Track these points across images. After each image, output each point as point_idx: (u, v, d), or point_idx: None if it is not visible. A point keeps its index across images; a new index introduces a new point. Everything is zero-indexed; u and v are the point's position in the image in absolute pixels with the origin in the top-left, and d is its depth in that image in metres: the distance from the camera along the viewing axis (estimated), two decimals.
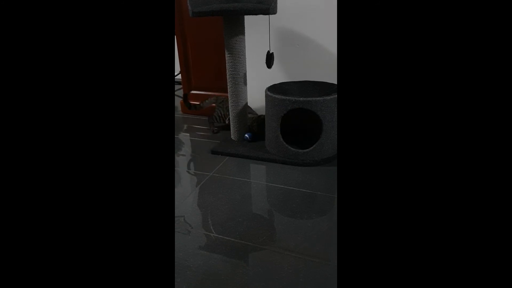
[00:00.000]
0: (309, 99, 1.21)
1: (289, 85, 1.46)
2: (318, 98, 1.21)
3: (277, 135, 1.32)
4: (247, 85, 1.55)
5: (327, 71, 1.54)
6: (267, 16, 1.47)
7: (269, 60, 1.37)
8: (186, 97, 1.83)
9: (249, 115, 1.60)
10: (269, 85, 1.44)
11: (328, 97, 1.22)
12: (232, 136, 1.57)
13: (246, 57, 1.46)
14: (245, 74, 1.45)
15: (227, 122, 1.69)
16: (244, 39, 1.40)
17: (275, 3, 1.26)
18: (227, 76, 1.44)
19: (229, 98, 1.49)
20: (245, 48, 1.41)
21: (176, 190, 1.18)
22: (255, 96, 1.74)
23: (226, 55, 1.40)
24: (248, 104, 1.63)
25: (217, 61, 1.81)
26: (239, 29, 1.36)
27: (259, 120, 1.56)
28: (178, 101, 2.13)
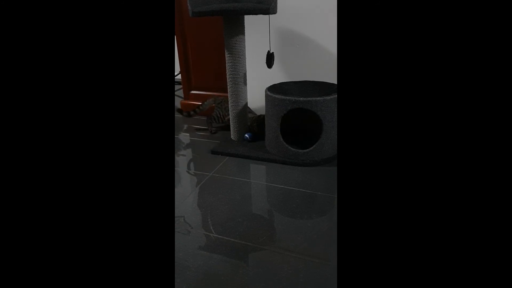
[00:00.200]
0: (309, 99, 1.21)
1: (289, 85, 1.46)
2: (318, 98, 1.21)
3: (277, 135, 1.32)
4: (247, 85, 1.55)
5: (327, 71, 1.54)
6: (267, 16, 1.47)
7: (269, 60, 1.37)
8: (180, 110, 1.80)
9: (249, 115, 1.60)
10: (269, 85, 1.44)
11: (328, 97, 1.22)
12: (232, 136, 1.57)
13: (246, 57, 1.46)
14: (245, 74, 1.45)
15: (226, 121, 1.68)
16: (244, 39, 1.40)
17: (275, 3, 1.26)
18: (227, 76, 1.44)
19: (229, 98, 1.49)
20: (245, 48, 1.41)
21: (176, 190, 1.18)
22: (255, 96, 1.74)
23: (226, 55, 1.40)
24: (248, 104, 1.63)
25: (217, 61, 1.81)
26: (239, 29, 1.36)
27: (259, 120, 1.56)
28: (178, 101, 2.13)
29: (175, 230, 0.96)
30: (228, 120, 1.60)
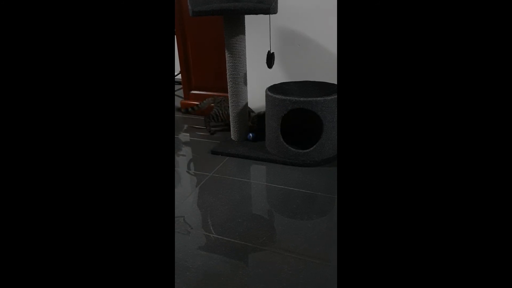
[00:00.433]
0: (309, 99, 1.21)
1: (290, 85, 1.46)
2: (318, 98, 1.21)
3: (277, 135, 1.32)
4: (248, 85, 1.55)
5: (327, 71, 1.53)
6: (268, 15, 1.47)
7: (270, 60, 1.37)
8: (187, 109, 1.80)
9: (251, 114, 1.61)
10: (270, 85, 1.44)
11: (329, 97, 1.22)
12: (232, 136, 1.57)
13: (247, 57, 1.45)
14: (245, 74, 1.45)
15: (226, 120, 1.68)
16: (245, 39, 1.39)
17: (276, 2, 1.26)
18: (227, 76, 1.44)
19: (229, 98, 1.48)
20: (245, 48, 1.41)
21: (176, 190, 1.17)
22: (256, 96, 1.74)
23: (227, 55, 1.40)
24: (248, 104, 1.63)
25: (217, 61, 1.81)
26: (240, 29, 1.35)
27: (259, 115, 1.57)
28: (178, 101, 2.13)
29: (175, 230, 0.95)
30: (229, 118, 1.61)
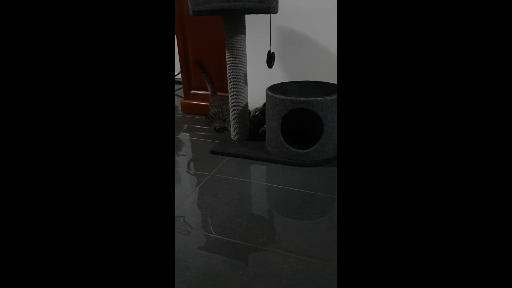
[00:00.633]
0: (310, 99, 1.21)
1: (290, 85, 1.46)
2: (319, 98, 1.21)
3: (277, 135, 1.32)
4: (248, 85, 1.55)
5: (328, 71, 1.53)
6: (268, 15, 1.46)
7: (270, 59, 1.36)
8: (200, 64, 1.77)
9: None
10: (270, 85, 1.44)
11: (329, 97, 1.22)
12: (232, 136, 1.57)
13: (247, 56, 1.45)
14: (245, 74, 1.44)
15: (225, 122, 1.68)
16: (245, 39, 1.39)
17: (276, 2, 1.25)
18: (228, 76, 1.44)
19: (229, 98, 1.48)
20: (245, 48, 1.41)
21: (176, 190, 1.17)
22: (256, 96, 1.74)
23: (227, 54, 1.40)
24: (248, 105, 1.62)
25: (217, 61, 1.81)
26: (240, 29, 1.35)
27: (262, 108, 1.59)
28: (178, 101, 2.13)
29: (175, 230, 0.95)
30: (228, 120, 1.61)
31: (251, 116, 1.61)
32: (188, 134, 1.71)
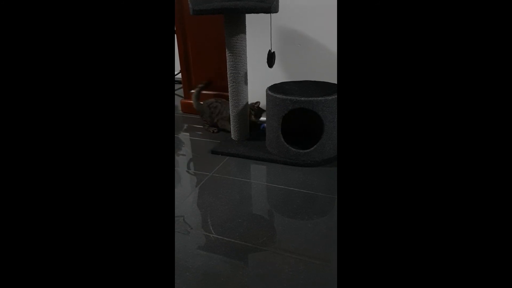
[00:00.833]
0: (310, 99, 1.20)
1: (290, 85, 1.45)
2: (319, 98, 1.20)
3: (277, 135, 1.31)
4: (248, 85, 1.54)
5: (328, 71, 1.53)
6: (269, 14, 1.46)
7: (271, 59, 1.36)
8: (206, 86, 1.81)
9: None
10: (270, 85, 1.43)
11: (330, 97, 1.22)
12: (232, 136, 1.56)
13: (247, 56, 1.45)
14: (245, 74, 1.44)
15: (217, 123, 1.68)
16: (245, 38, 1.39)
17: (277, 1, 1.25)
18: (228, 75, 1.43)
19: (229, 98, 1.48)
20: (246, 47, 1.40)
21: (176, 190, 1.17)
22: (256, 96, 1.73)
23: (227, 54, 1.40)
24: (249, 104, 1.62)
25: (217, 60, 1.80)
26: (240, 28, 1.35)
27: (257, 104, 1.60)
28: (178, 101, 2.12)
29: (175, 230, 0.95)
30: (220, 122, 1.62)
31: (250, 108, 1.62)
32: (188, 134, 1.70)
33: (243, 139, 1.54)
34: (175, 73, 2.46)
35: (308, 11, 1.49)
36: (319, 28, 1.50)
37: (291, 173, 1.26)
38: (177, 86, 2.52)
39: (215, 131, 1.69)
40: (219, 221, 0.98)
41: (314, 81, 1.48)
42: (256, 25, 1.59)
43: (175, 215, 1.02)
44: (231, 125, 1.54)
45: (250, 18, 1.56)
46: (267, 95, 1.32)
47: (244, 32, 1.37)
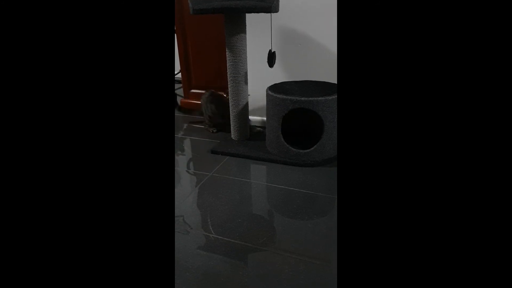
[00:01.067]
0: (310, 99, 1.20)
1: (291, 85, 1.45)
2: (319, 98, 1.20)
3: (278, 135, 1.31)
4: (248, 84, 1.54)
5: (329, 71, 1.53)
6: (269, 14, 1.46)
7: (271, 59, 1.36)
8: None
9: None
10: (270, 85, 1.43)
11: (330, 97, 1.21)
12: (232, 136, 1.56)
13: (247, 56, 1.45)
14: (246, 73, 1.44)
15: (215, 118, 1.66)
16: (246, 38, 1.39)
17: (277, 1, 1.25)
18: (228, 75, 1.43)
19: (229, 98, 1.48)
20: (246, 47, 1.40)
21: (175, 190, 1.17)
22: (256, 96, 1.73)
23: (227, 53, 1.39)
24: (249, 104, 1.62)
25: (217, 60, 1.80)
26: (241, 27, 1.35)
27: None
28: (178, 100, 2.12)
29: (175, 230, 0.95)
30: (212, 120, 1.61)
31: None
32: (188, 133, 1.70)
33: (243, 139, 1.54)
34: (175, 72, 2.46)
35: (308, 11, 1.49)
36: (319, 28, 1.50)
37: (291, 173, 1.26)
38: (177, 85, 2.51)
39: (215, 131, 1.69)
40: (219, 221, 0.98)
41: (315, 81, 1.48)
42: (256, 24, 1.59)
43: (175, 215, 1.02)
44: (231, 125, 1.54)
45: (250, 18, 1.55)
46: (267, 95, 1.32)
47: (244, 31, 1.37)
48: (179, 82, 2.51)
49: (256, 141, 1.51)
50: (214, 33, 1.76)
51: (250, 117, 1.68)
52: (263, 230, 0.93)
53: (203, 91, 1.94)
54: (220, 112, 1.65)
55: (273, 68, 1.44)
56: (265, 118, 1.52)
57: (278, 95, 1.25)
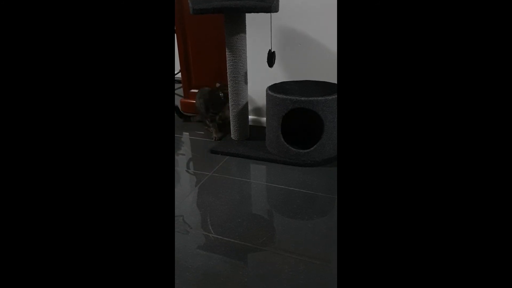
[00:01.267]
0: (310, 98, 1.20)
1: (290, 85, 1.45)
2: (319, 98, 1.20)
3: (278, 135, 1.31)
4: (248, 84, 1.54)
5: (329, 71, 1.53)
6: (269, 14, 1.46)
7: (271, 59, 1.36)
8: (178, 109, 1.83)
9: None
10: (270, 84, 1.43)
11: (330, 97, 1.21)
12: (232, 136, 1.56)
13: (247, 55, 1.45)
14: (246, 73, 1.44)
15: (214, 116, 1.65)
16: (245, 38, 1.39)
17: (277, 1, 1.25)
18: (228, 75, 1.43)
19: (229, 97, 1.48)
20: (246, 47, 1.40)
21: (175, 189, 1.17)
22: (256, 95, 1.73)
23: (227, 53, 1.39)
24: (249, 104, 1.62)
25: (217, 60, 1.80)
26: (241, 27, 1.35)
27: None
28: (178, 100, 2.12)
29: (175, 230, 0.95)
30: (218, 117, 1.59)
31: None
32: (188, 133, 1.70)
33: (243, 138, 1.54)
34: (175, 72, 2.46)
35: (308, 11, 1.49)
36: (319, 28, 1.50)
37: (291, 173, 1.26)
38: (177, 85, 2.51)
39: (217, 138, 1.59)
40: (219, 221, 0.98)
41: (314, 81, 1.48)
42: (256, 24, 1.59)
43: (175, 214, 1.02)
44: (231, 125, 1.54)
45: (250, 18, 1.56)
46: (267, 94, 1.32)
47: (244, 31, 1.37)
48: (179, 82, 2.51)
49: (256, 141, 1.51)
50: (214, 33, 1.76)
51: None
52: (263, 230, 0.94)
53: None
54: (208, 106, 1.62)
55: (273, 68, 1.44)
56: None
57: (278, 95, 1.25)
